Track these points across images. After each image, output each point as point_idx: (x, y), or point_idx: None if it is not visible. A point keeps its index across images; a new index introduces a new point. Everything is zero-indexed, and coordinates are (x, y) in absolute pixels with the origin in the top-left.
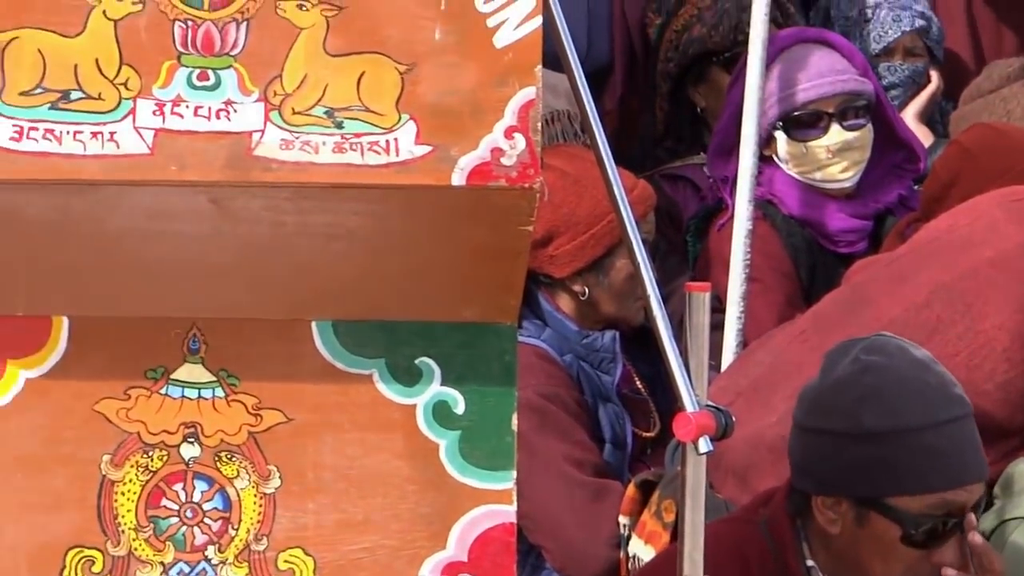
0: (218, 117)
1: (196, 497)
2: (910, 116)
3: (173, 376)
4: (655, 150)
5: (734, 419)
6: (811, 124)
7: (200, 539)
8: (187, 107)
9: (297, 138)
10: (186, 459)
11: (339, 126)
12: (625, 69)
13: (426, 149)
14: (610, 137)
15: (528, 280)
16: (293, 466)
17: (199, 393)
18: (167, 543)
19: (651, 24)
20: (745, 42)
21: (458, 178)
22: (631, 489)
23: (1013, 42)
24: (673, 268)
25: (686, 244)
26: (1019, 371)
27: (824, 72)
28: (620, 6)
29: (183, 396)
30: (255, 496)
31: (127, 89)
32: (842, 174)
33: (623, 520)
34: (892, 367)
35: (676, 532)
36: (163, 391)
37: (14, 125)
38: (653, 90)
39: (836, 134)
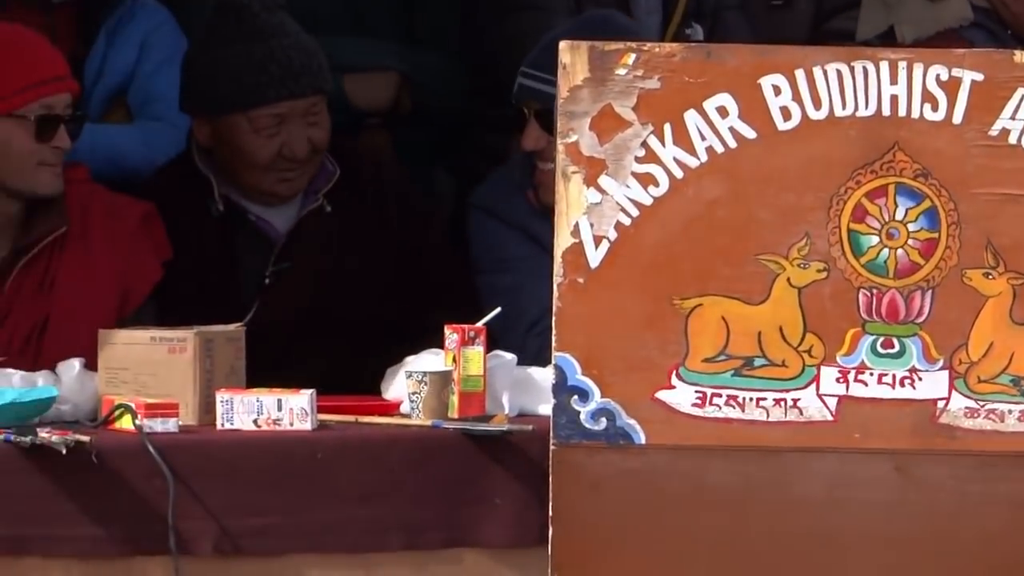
0: (903, 384)
1: None
2: None
3: None
4: None
5: None
6: None
7: None
8: (871, 374)
9: (982, 406)
10: None
11: None
12: None
13: None
14: None
15: None
16: None
17: None
18: None
19: None
20: None
21: None
22: None
23: None
24: None
25: None
26: None
27: None
28: None
29: None
30: None
31: (811, 356)
32: None
33: None
34: None
35: None
36: None
37: (697, 391)
38: None
39: None
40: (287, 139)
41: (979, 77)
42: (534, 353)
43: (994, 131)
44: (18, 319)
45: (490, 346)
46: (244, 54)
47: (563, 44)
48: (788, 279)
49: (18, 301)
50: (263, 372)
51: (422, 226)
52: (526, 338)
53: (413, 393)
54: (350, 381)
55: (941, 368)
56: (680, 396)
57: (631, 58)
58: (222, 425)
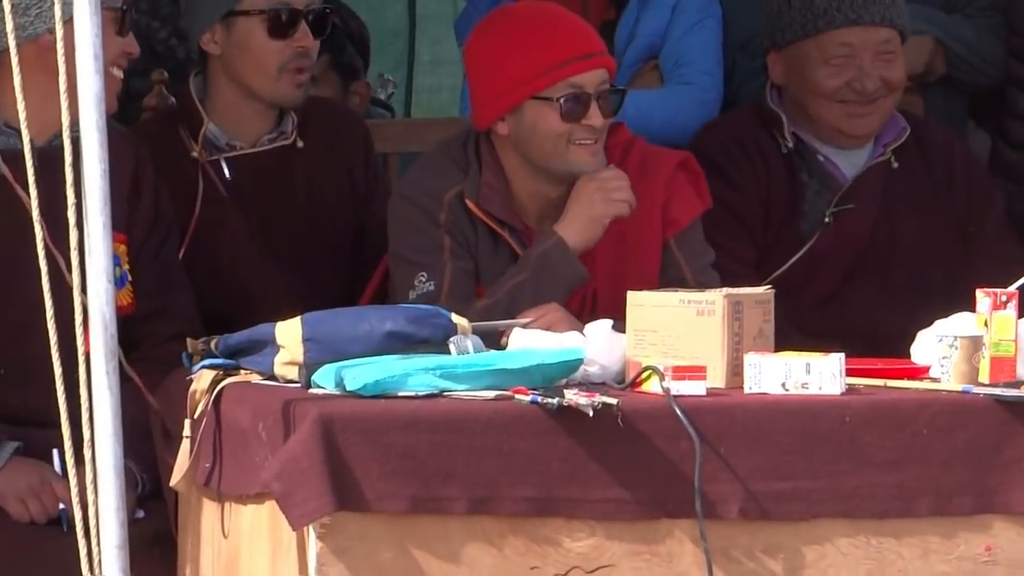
0: None
1: None
2: None
3: None
4: None
5: None
6: None
7: None
8: None
9: None
10: None
11: None
12: None
13: None
14: None
15: None
16: None
17: None
18: None
19: None
20: None
21: None
22: None
23: None
24: None
25: None
26: None
27: None
28: None
29: None
30: None
31: None
32: None
33: None
34: None
35: None
36: None
37: None
38: None
39: None
40: (857, 72)
41: None
42: None
43: None
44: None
45: None
46: None
47: None
48: None
49: None
50: (814, 305)
51: (984, 211)
52: None
53: (943, 357)
54: (889, 325)
55: None
56: None
57: None
58: (750, 388)
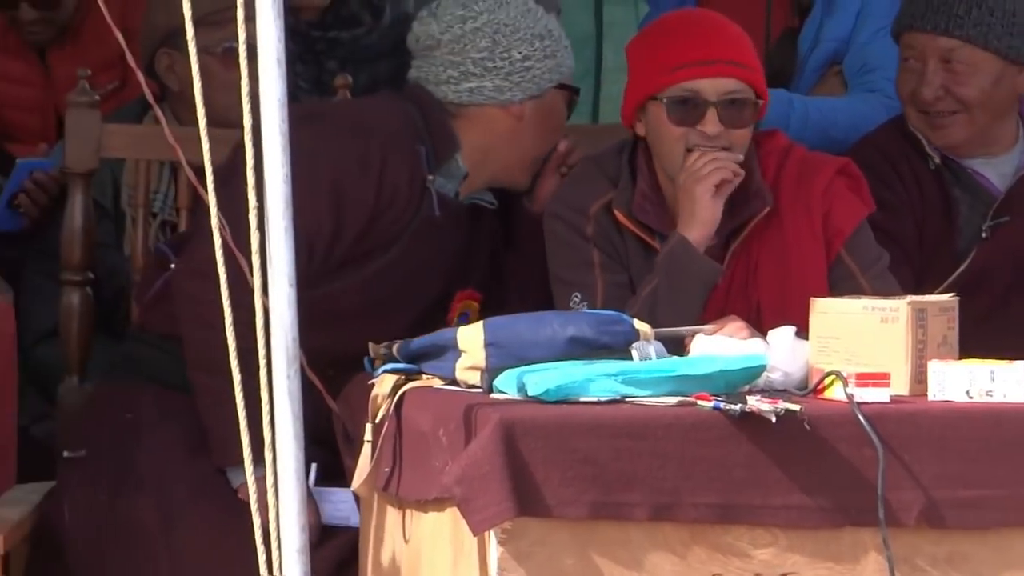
0: None
1: None
2: None
3: None
4: None
5: None
6: None
7: None
8: None
9: None
10: None
11: None
12: None
13: None
14: None
15: None
16: None
17: None
18: None
19: None
20: None
21: None
22: None
23: None
24: None
25: None
26: None
27: None
28: None
29: None
30: None
31: None
32: None
33: None
34: None
35: None
36: None
37: None
38: None
39: None
40: (920, 80)
41: None
42: None
43: None
44: (735, 311)
45: None
46: None
47: None
48: None
49: (731, 294)
50: (975, 323)
51: None
52: None
53: None
54: None
55: None
56: None
57: None
58: (934, 396)
